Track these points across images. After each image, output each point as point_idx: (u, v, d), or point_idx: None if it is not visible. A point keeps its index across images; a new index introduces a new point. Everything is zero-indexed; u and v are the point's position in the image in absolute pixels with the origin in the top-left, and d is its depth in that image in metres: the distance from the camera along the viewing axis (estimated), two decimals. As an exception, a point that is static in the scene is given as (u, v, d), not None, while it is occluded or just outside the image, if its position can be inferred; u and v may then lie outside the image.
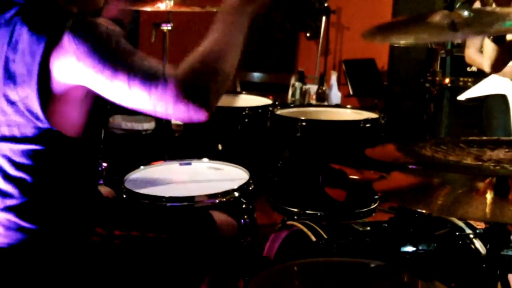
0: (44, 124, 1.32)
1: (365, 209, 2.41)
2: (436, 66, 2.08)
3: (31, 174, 1.36)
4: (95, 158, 1.55)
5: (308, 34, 5.09)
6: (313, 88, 4.64)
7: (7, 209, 1.38)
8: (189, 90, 1.25)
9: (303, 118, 2.42)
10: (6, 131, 1.36)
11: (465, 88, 3.64)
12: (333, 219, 2.35)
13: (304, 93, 4.63)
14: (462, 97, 3.33)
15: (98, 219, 1.49)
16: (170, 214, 1.76)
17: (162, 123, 2.77)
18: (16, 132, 1.35)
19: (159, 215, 1.71)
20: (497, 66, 2.70)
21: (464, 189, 1.29)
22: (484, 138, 1.44)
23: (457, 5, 1.61)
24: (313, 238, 1.83)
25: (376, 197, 2.44)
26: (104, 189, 1.92)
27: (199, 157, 2.34)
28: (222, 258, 1.65)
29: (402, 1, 4.84)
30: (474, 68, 3.84)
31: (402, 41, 1.77)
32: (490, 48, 2.63)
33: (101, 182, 2.28)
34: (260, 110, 2.81)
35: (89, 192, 1.53)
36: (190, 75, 1.28)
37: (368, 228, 1.93)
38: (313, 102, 4.50)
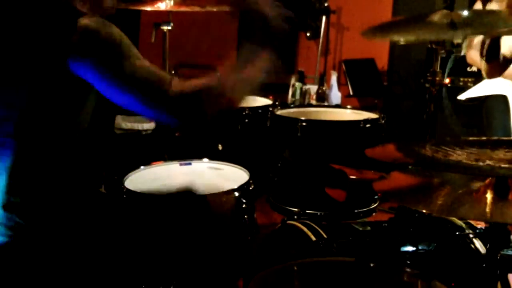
0: (44, 123, 1.33)
1: (365, 209, 2.41)
2: (436, 66, 2.08)
3: (32, 172, 1.36)
4: (95, 156, 1.55)
5: (308, 34, 5.09)
6: (313, 88, 4.64)
7: (7, 207, 1.37)
8: (184, 110, 1.34)
9: (303, 118, 2.42)
10: (6, 130, 1.36)
11: (465, 88, 3.65)
12: (333, 219, 2.35)
13: (304, 93, 4.63)
14: (462, 96, 3.33)
15: (96, 218, 1.49)
16: (170, 214, 1.75)
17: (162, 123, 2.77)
18: (15, 130, 1.34)
19: (158, 215, 1.70)
20: (493, 75, 2.73)
21: (464, 189, 1.29)
22: (484, 138, 1.44)
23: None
24: (313, 238, 1.83)
25: (376, 197, 2.44)
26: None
27: (199, 157, 2.33)
28: (222, 256, 1.64)
29: (402, 1, 4.84)
30: (474, 68, 3.84)
31: (402, 38, 1.77)
32: (483, 64, 2.66)
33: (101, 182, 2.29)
34: (260, 110, 2.81)
35: (89, 190, 1.53)
36: (191, 98, 1.35)
37: (368, 228, 1.93)
38: (313, 102, 4.51)
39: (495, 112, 3.11)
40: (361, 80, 4.76)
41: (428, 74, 2.11)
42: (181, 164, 2.28)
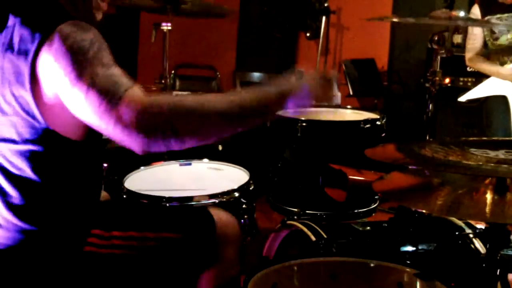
0: (41, 125, 1.31)
1: (365, 209, 2.41)
2: (435, 66, 2.09)
3: (31, 175, 1.36)
4: (98, 160, 1.54)
5: (308, 34, 5.09)
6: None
7: (7, 209, 1.37)
8: (145, 124, 1.20)
9: (303, 118, 2.41)
10: (5, 132, 1.35)
11: (465, 88, 3.65)
12: (333, 219, 2.35)
13: (304, 93, 4.62)
14: (463, 98, 3.33)
15: (96, 221, 1.49)
16: (169, 213, 1.75)
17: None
18: (14, 133, 1.34)
19: (158, 215, 1.70)
20: None
21: (464, 189, 1.29)
22: (484, 138, 1.44)
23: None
24: (313, 238, 1.83)
25: (376, 197, 2.44)
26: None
27: (199, 157, 2.33)
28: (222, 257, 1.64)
29: (402, 1, 4.84)
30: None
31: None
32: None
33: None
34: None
35: (91, 194, 1.52)
36: (157, 111, 1.21)
37: (368, 228, 1.93)
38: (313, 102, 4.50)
39: (495, 112, 3.11)
40: (361, 80, 4.76)
41: (428, 74, 2.11)
42: (181, 165, 2.28)
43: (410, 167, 1.46)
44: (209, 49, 5.06)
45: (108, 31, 1.36)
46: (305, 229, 1.89)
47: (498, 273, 1.32)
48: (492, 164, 1.21)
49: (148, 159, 2.28)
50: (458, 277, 1.71)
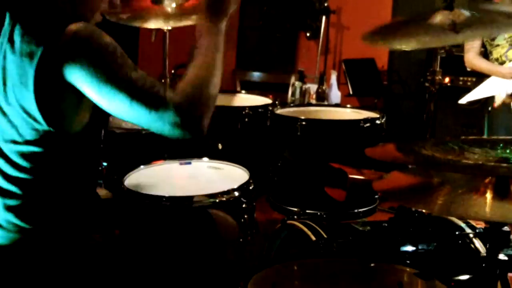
0: (42, 126, 1.31)
1: (365, 209, 2.41)
2: (435, 65, 2.09)
3: (31, 175, 1.36)
4: (95, 158, 1.55)
5: (308, 34, 5.09)
6: (313, 87, 4.63)
7: (7, 209, 1.37)
8: (186, 117, 1.30)
9: (303, 117, 2.42)
10: (6, 133, 1.36)
11: (465, 88, 3.64)
12: (333, 219, 2.35)
13: (304, 93, 4.62)
14: (463, 100, 3.33)
15: (96, 219, 1.49)
16: (170, 214, 1.75)
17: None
18: (15, 134, 1.34)
19: (159, 215, 1.70)
20: None
21: (464, 188, 1.29)
22: (484, 137, 1.44)
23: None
24: (313, 238, 1.83)
25: (376, 196, 2.44)
26: (102, 192, 1.91)
27: (199, 156, 2.33)
28: (223, 258, 1.64)
29: (402, 1, 4.84)
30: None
31: (404, 46, 1.74)
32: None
33: (101, 181, 2.28)
34: (260, 110, 2.81)
35: (88, 192, 1.52)
36: (187, 102, 1.31)
37: (368, 227, 1.93)
38: (313, 101, 4.50)
39: (496, 111, 3.11)
40: (361, 80, 4.76)
41: (428, 74, 2.11)
42: (181, 164, 2.28)
43: (410, 166, 1.46)
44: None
45: (108, 31, 1.35)
46: (305, 229, 1.88)
47: (498, 272, 1.31)
48: (492, 163, 1.21)
49: (148, 158, 2.28)
50: (458, 277, 1.71)
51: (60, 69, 1.27)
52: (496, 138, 1.40)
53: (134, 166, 2.17)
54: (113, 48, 1.30)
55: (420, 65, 4.53)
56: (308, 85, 4.62)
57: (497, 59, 3.15)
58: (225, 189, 1.92)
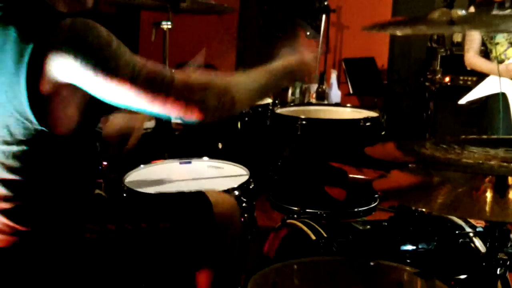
0: (34, 125, 1.29)
1: (365, 208, 2.41)
2: (435, 64, 2.09)
3: (24, 176, 1.34)
4: (90, 158, 1.53)
5: (308, 33, 5.08)
6: (313, 87, 4.64)
7: (1, 212, 1.37)
8: (188, 98, 1.33)
9: (303, 116, 2.41)
10: None
11: (466, 87, 3.64)
12: (333, 218, 2.35)
13: (304, 92, 4.63)
14: (463, 100, 3.32)
15: (90, 216, 1.47)
16: (164, 201, 1.72)
17: (162, 122, 2.78)
18: (6, 134, 1.32)
19: (153, 204, 1.68)
20: None
21: (464, 187, 1.29)
22: (484, 137, 1.44)
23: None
24: (313, 237, 1.83)
25: (376, 195, 2.44)
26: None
27: (199, 155, 2.33)
28: (224, 253, 1.63)
29: (402, 1, 4.84)
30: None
31: (398, 31, 1.76)
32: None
33: (101, 181, 2.28)
34: (260, 109, 2.81)
35: (84, 192, 1.51)
36: (185, 86, 1.35)
37: (368, 227, 1.93)
38: (313, 100, 4.50)
39: (495, 110, 3.11)
40: (361, 79, 4.76)
41: (428, 73, 2.11)
42: (181, 163, 2.29)
43: (410, 165, 1.46)
44: (209, 49, 5.05)
45: (108, 30, 1.35)
46: (305, 228, 1.88)
47: (498, 272, 1.31)
48: (492, 163, 1.21)
49: (148, 157, 2.28)
50: (458, 276, 1.71)
51: (53, 66, 1.26)
52: (496, 137, 1.40)
53: (134, 165, 2.17)
54: (110, 38, 1.30)
55: (420, 64, 4.53)
56: (308, 84, 4.63)
57: (496, 57, 3.15)
58: (225, 188, 1.92)
